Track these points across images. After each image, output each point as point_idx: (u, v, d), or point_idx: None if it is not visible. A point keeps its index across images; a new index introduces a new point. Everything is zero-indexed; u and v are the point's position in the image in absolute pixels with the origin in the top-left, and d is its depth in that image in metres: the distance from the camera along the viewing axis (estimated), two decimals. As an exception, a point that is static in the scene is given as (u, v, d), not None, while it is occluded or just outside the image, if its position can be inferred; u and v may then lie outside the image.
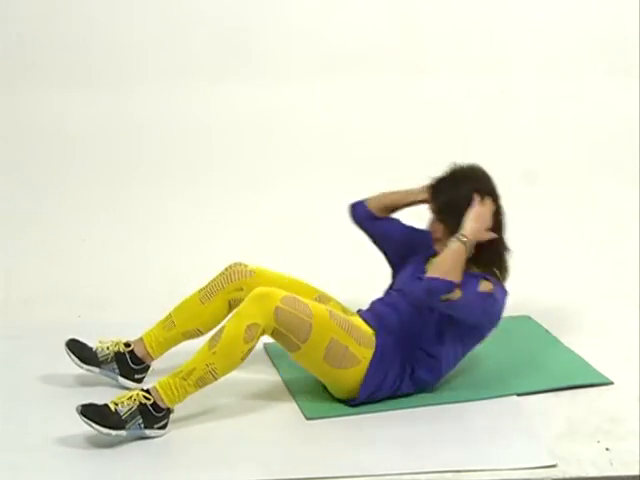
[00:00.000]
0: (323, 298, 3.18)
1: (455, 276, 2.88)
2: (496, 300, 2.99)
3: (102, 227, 4.37)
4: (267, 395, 2.99)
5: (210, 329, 3.01)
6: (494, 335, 3.05)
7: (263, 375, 3.11)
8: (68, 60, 5.10)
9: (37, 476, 2.55)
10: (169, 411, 2.74)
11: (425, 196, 3.14)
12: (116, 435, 2.65)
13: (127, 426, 2.67)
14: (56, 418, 2.79)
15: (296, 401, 2.93)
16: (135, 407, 2.69)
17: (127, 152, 4.97)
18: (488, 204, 3.02)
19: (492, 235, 3.01)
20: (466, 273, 2.95)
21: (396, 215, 3.28)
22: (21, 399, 2.94)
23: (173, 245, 4.12)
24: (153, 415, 2.70)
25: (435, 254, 3.07)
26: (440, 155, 4.85)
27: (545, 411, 2.91)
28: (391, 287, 3.27)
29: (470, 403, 2.96)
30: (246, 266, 3.14)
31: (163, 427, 2.73)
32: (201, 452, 2.66)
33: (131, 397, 2.71)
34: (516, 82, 5.24)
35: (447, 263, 2.91)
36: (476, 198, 2.99)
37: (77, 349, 3.00)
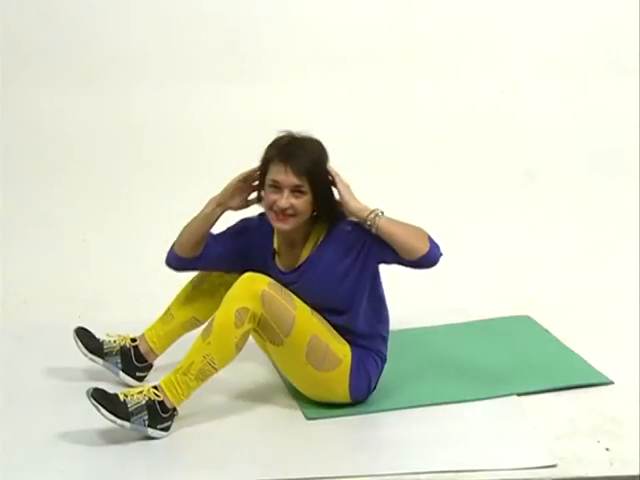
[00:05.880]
0: None
1: None
2: None
3: (102, 227, 4.37)
4: (267, 395, 2.98)
5: (207, 317, 2.98)
6: (494, 335, 2.99)
7: (262, 375, 3.10)
8: (68, 60, 5.12)
9: (37, 475, 2.55)
10: (174, 413, 2.72)
11: (232, 201, 2.93)
12: (120, 424, 2.63)
13: (132, 419, 2.65)
14: (55, 418, 2.78)
15: (296, 401, 2.92)
16: (144, 402, 2.68)
17: (127, 152, 4.98)
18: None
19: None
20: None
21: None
22: (20, 400, 2.93)
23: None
24: (159, 414, 2.69)
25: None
26: (440, 155, 4.87)
27: (545, 411, 2.89)
28: None
29: (470, 403, 2.93)
30: None
31: (166, 429, 2.71)
32: (201, 452, 2.66)
33: (141, 392, 2.70)
34: (516, 82, 5.25)
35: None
36: (332, 170, 2.88)
37: (84, 337, 3.02)
